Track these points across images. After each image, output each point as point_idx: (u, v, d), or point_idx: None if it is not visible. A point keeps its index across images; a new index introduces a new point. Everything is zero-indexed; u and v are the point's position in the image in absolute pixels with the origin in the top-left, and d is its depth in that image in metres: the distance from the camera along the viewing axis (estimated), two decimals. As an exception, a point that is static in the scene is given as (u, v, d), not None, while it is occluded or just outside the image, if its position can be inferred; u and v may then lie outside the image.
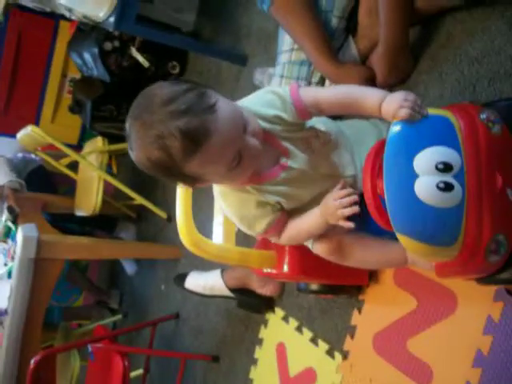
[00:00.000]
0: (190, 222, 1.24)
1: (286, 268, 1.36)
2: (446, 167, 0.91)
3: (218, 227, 1.37)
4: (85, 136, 3.49)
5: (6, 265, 2.39)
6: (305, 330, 1.77)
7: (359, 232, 1.12)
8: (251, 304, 1.95)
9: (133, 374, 2.64)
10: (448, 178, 0.91)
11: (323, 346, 1.67)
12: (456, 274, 0.99)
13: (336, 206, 1.05)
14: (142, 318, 3.01)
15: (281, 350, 1.87)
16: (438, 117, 0.95)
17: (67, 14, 2.31)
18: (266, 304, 1.95)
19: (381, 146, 1.00)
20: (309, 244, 1.19)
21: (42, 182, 3.21)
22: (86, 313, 3.44)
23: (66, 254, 2.41)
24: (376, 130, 1.19)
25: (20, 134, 2.58)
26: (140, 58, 2.72)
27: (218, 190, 1.13)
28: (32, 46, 3.28)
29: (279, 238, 1.17)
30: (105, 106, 2.83)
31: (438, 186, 0.90)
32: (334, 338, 1.65)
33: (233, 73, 2.47)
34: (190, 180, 1.00)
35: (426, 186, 0.90)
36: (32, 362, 1.91)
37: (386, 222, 0.96)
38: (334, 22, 1.53)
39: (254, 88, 1.90)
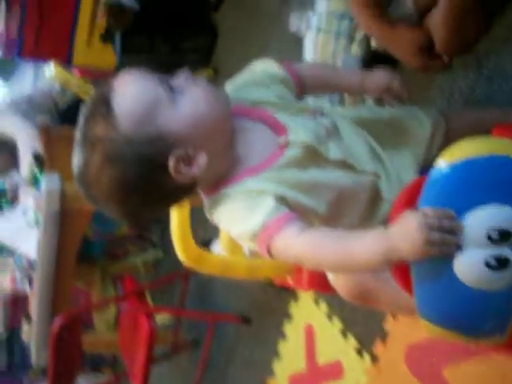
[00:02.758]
0: (187, 235, 1.07)
1: (305, 280, 1.18)
2: (502, 236, 0.66)
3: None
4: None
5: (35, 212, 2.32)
6: (335, 319, 1.61)
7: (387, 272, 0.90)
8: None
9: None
10: (503, 250, 0.67)
11: (353, 342, 1.52)
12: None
13: (426, 229, 0.63)
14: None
15: (309, 334, 1.73)
16: (498, 158, 0.69)
17: None
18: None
19: (420, 185, 0.75)
20: (329, 275, 0.98)
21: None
22: (128, 243, 3.42)
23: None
24: (415, 121, 0.97)
25: (47, 73, 2.41)
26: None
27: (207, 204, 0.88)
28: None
29: (292, 243, 0.75)
30: (137, 37, 2.57)
31: (487, 264, 0.66)
32: (365, 336, 1.49)
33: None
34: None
35: (469, 263, 0.66)
36: (55, 325, 1.86)
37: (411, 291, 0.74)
38: None
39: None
